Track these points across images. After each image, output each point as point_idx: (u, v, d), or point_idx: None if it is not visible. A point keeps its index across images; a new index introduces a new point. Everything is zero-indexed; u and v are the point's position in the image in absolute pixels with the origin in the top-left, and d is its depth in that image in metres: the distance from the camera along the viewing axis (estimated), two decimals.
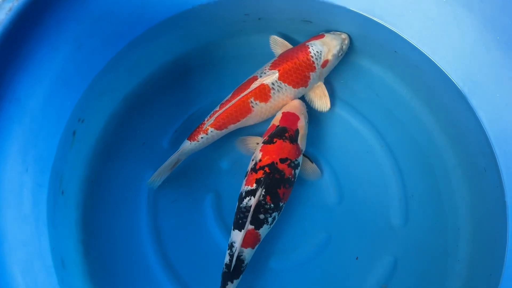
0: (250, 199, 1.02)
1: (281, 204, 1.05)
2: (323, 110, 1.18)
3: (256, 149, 1.10)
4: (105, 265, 1.05)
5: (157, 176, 1.10)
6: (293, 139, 1.08)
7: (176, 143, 1.17)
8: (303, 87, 1.15)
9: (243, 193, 1.04)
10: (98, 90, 1.06)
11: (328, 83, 1.20)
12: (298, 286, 1.10)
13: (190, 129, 1.15)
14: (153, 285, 1.07)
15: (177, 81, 1.21)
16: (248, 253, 1.02)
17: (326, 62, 1.15)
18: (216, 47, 1.22)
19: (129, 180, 1.13)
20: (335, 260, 1.12)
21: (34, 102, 0.88)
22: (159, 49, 1.15)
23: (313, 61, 1.13)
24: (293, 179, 1.07)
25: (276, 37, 1.19)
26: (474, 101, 1.03)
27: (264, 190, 1.02)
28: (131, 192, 1.13)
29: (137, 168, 1.15)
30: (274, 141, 1.07)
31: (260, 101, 1.12)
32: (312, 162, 1.13)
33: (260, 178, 1.03)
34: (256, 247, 1.04)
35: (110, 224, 1.09)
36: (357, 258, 1.12)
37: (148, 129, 1.18)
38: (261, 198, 1.01)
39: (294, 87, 1.13)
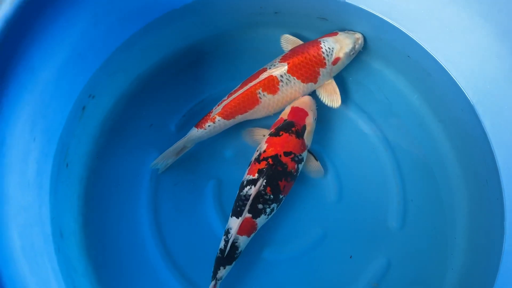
0: (251, 188, 1.03)
1: (281, 196, 1.06)
2: (334, 106, 1.17)
3: (261, 140, 1.11)
4: (102, 239, 1.07)
5: (161, 159, 1.11)
6: (299, 134, 1.09)
7: (183, 128, 1.18)
8: (312, 83, 1.15)
9: (245, 182, 1.06)
10: (111, 68, 1.08)
11: (338, 81, 1.20)
12: (289, 278, 1.11)
13: (198, 115, 1.17)
14: (147, 262, 1.09)
15: (189, 67, 1.22)
16: (243, 240, 1.03)
17: (337, 59, 1.15)
18: (231, 37, 1.22)
19: (134, 160, 1.15)
20: (328, 256, 1.12)
21: (47, 73, 0.90)
22: (175, 34, 1.17)
23: (324, 57, 1.13)
24: (295, 174, 1.08)
25: (288, 35, 1.19)
26: (482, 112, 1.03)
27: (265, 180, 1.03)
28: (135, 172, 1.14)
29: (142, 149, 1.16)
30: (280, 134, 1.08)
31: (268, 93, 1.13)
32: (317, 160, 1.14)
33: (262, 168, 1.04)
34: (251, 236, 1.05)
35: (111, 200, 1.11)
36: (351, 257, 1.12)
37: (157, 111, 1.19)
38: (262, 188, 1.03)
39: (303, 81, 1.14)
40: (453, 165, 1.15)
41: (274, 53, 1.20)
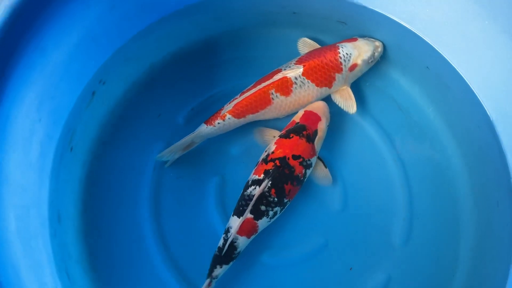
0: (255, 188, 1.01)
1: (285, 200, 1.04)
2: (350, 112, 1.15)
3: (271, 141, 1.09)
4: (100, 226, 1.06)
5: (168, 153, 1.10)
6: (310, 139, 1.07)
7: (191, 121, 1.17)
8: (327, 87, 1.13)
9: (250, 181, 1.04)
10: (125, 56, 1.07)
11: (353, 87, 1.18)
12: (287, 284, 1.09)
13: (208, 110, 1.16)
14: (144, 254, 1.07)
15: (203, 60, 1.20)
16: (242, 241, 1.01)
17: (354, 66, 1.12)
18: (248, 34, 1.21)
19: (139, 149, 1.14)
20: (328, 266, 1.10)
21: (59, 54, 0.89)
22: (192, 27, 1.16)
23: (340, 62, 1.11)
24: (302, 178, 1.06)
25: (306, 39, 1.17)
26: (501, 131, 0.99)
27: (270, 182, 1.01)
28: (139, 161, 1.13)
29: (148, 139, 1.15)
30: (291, 136, 1.06)
31: (281, 94, 1.10)
32: (326, 167, 1.11)
33: (269, 169, 1.02)
34: (251, 237, 1.03)
35: (113, 188, 1.10)
36: (350, 269, 1.09)
37: (166, 102, 1.18)
38: (266, 189, 1.01)
39: (317, 85, 1.11)
40: (465, 184, 1.11)
41: (290, 54, 1.18)
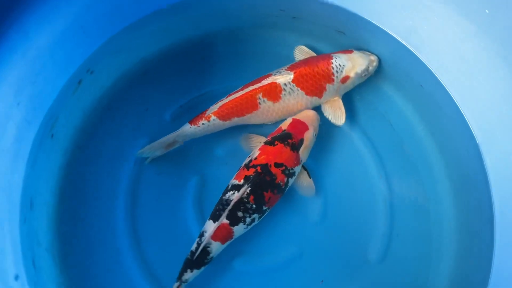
0: (234, 193, 1.00)
1: (264, 208, 1.02)
2: (337, 124, 1.13)
3: (255, 147, 1.08)
4: (75, 215, 1.05)
5: (149, 149, 1.09)
6: (295, 147, 1.05)
7: (178, 119, 1.16)
8: (317, 97, 1.11)
9: (229, 186, 1.02)
10: (116, 47, 1.06)
11: (345, 98, 1.16)
12: None
13: (196, 108, 1.14)
14: (116, 248, 1.06)
15: (196, 58, 1.19)
16: (216, 247, 1.00)
17: (346, 78, 1.11)
18: (245, 34, 1.19)
19: (123, 141, 1.13)
20: (300, 277, 1.08)
21: (43, 40, 0.88)
22: (187, 23, 1.14)
23: (333, 72, 1.09)
24: (284, 187, 1.04)
25: (303, 47, 1.16)
26: (487, 156, 0.97)
27: (249, 188, 0.99)
28: (121, 153, 1.12)
29: (133, 132, 1.14)
30: (275, 143, 1.04)
31: (269, 99, 1.09)
32: (310, 177, 1.09)
33: (249, 175, 1.01)
34: (226, 243, 1.02)
35: (92, 178, 1.09)
36: (321, 282, 1.07)
37: (155, 97, 1.17)
38: (245, 195, 0.99)
39: (307, 93, 1.10)
40: (448, 207, 1.09)
41: (285, 59, 1.17)
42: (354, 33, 1.12)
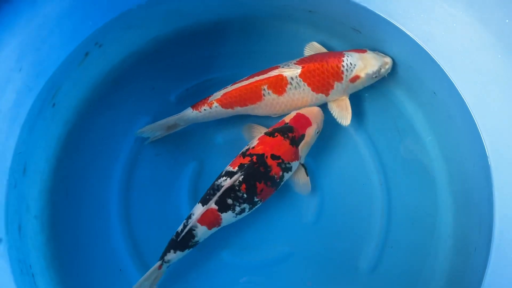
0: (226, 179, 0.99)
1: (256, 199, 1.00)
2: (342, 124, 1.10)
3: (255, 137, 1.06)
4: (69, 185, 1.05)
5: (149, 129, 1.08)
6: (294, 142, 1.03)
7: (182, 101, 1.15)
8: (323, 95, 1.08)
9: (223, 172, 1.01)
10: (128, 23, 1.05)
11: (355, 99, 1.13)
12: (241, 285, 1.06)
13: (202, 93, 1.13)
14: (105, 223, 1.07)
15: (208, 43, 1.17)
16: (201, 231, 0.99)
17: (356, 77, 1.07)
18: (259, 24, 1.17)
19: (125, 118, 1.12)
20: (287, 276, 1.06)
21: (50, 8, 0.87)
22: (203, 6, 1.12)
23: (342, 71, 1.06)
24: (278, 180, 1.02)
25: (315, 43, 1.13)
26: (496, 177, 0.92)
27: (242, 176, 0.98)
28: (122, 129, 1.12)
29: (137, 110, 1.13)
30: (275, 135, 1.03)
31: (273, 92, 1.06)
32: (307, 176, 1.07)
33: (244, 164, 0.99)
34: (213, 229, 1.00)
35: (91, 151, 1.09)
36: (309, 284, 1.06)
37: (162, 77, 1.16)
38: (237, 183, 0.98)
39: (313, 90, 1.07)
40: (448, 223, 1.06)
41: (297, 52, 1.14)
42: (370, 32, 1.08)
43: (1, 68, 0.84)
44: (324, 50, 1.12)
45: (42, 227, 0.99)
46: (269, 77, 1.05)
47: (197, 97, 1.12)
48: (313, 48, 1.13)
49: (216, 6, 1.13)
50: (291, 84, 1.06)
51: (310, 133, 1.05)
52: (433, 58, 0.99)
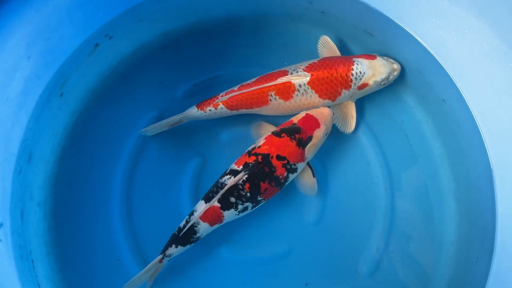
0: (230, 178, 0.98)
1: (259, 198, 1.00)
2: (345, 131, 1.10)
3: (262, 135, 1.06)
4: (73, 175, 1.06)
5: (153, 128, 1.09)
6: (301, 143, 1.02)
7: (189, 97, 1.15)
8: (329, 101, 1.08)
9: (228, 170, 1.01)
10: (139, 16, 1.05)
11: (361, 101, 1.12)
12: (238, 282, 1.06)
13: (209, 89, 1.14)
14: (107, 215, 1.07)
15: (218, 39, 1.17)
16: (203, 227, 0.99)
17: (364, 85, 1.07)
18: (270, 23, 1.16)
19: (131, 110, 1.13)
20: (284, 275, 1.06)
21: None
22: (215, 2, 1.12)
23: (351, 79, 1.05)
24: (283, 181, 1.01)
25: (327, 38, 1.11)
26: (499, 187, 0.91)
27: (246, 176, 0.97)
28: (128, 122, 1.12)
29: (143, 103, 1.14)
30: (282, 135, 1.02)
31: (280, 98, 1.06)
32: (314, 177, 1.06)
33: (249, 163, 0.99)
34: (215, 226, 1.01)
35: (96, 142, 1.10)
36: (306, 284, 1.05)
37: (171, 72, 1.16)
38: (240, 182, 0.97)
39: (320, 96, 1.07)
40: (451, 231, 1.04)
41: (308, 53, 1.14)
42: (382, 36, 1.07)
43: (10, 55, 0.85)
44: (336, 48, 1.11)
45: (44, 215, 1.00)
46: (277, 84, 1.05)
47: (204, 93, 1.12)
48: (325, 43, 1.11)
49: (228, 3, 1.13)
50: (298, 91, 1.06)
51: (318, 135, 1.04)
52: (442, 65, 0.98)
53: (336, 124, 1.10)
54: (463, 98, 0.96)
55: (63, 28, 0.91)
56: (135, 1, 1.01)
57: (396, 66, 1.07)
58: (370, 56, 1.08)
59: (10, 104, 0.86)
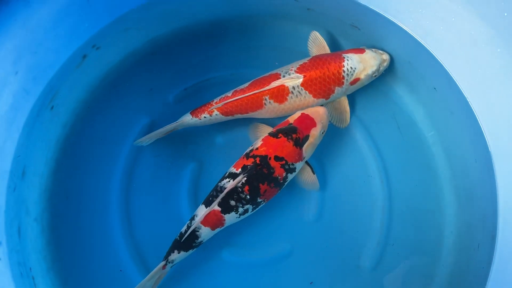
0: (229, 181, 0.98)
1: (259, 200, 1.00)
2: (340, 126, 1.11)
3: (260, 137, 1.05)
4: (69, 189, 1.05)
5: (147, 138, 1.08)
6: (298, 143, 1.02)
7: (181, 101, 1.15)
8: (324, 99, 1.08)
9: (227, 174, 1.01)
10: (125, 25, 1.05)
11: (352, 95, 1.12)
12: (242, 285, 1.06)
13: (200, 93, 1.13)
14: (106, 225, 1.06)
15: (206, 43, 1.17)
16: (205, 232, 0.99)
17: (356, 80, 1.07)
18: (257, 23, 1.16)
19: (123, 119, 1.12)
20: (288, 275, 1.05)
21: (46, 10, 0.87)
22: (200, 6, 1.12)
23: (343, 76, 1.06)
24: (282, 181, 1.01)
25: (317, 34, 1.11)
26: (499, 171, 0.91)
27: (245, 178, 0.97)
28: (121, 131, 1.11)
29: (135, 111, 1.13)
30: (279, 136, 1.01)
31: (275, 101, 1.06)
32: (314, 173, 1.06)
33: (247, 165, 0.99)
34: (216, 230, 1.00)
35: (90, 153, 1.09)
36: (311, 283, 1.05)
37: (160, 78, 1.15)
38: (240, 185, 0.97)
39: (314, 96, 1.07)
40: (450, 219, 1.05)
41: (296, 51, 1.14)
42: (369, 29, 1.08)
43: None
44: (325, 43, 1.11)
45: (42, 230, 0.99)
46: (271, 88, 1.05)
47: (195, 97, 1.12)
48: (316, 39, 1.11)
49: (214, 5, 1.13)
50: (292, 93, 1.06)
51: (315, 134, 1.04)
52: (432, 54, 0.98)
53: (332, 121, 1.10)
54: (456, 85, 0.97)
55: (50, 42, 0.90)
56: (120, 11, 1.01)
57: (385, 56, 1.07)
58: (359, 50, 1.08)
59: (0, 121, 0.85)
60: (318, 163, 1.12)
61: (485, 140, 0.93)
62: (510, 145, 0.91)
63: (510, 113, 0.91)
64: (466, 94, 0.95)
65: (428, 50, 0.99)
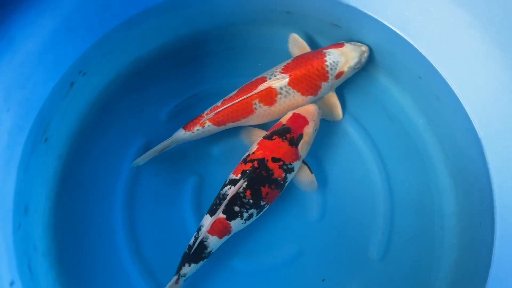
0: (230, 188, 0.99)
1: (262, 203, 1.01)
2: (335, 120, 1.13)
3: (255, 141, 1.07)
4: (72, 220, 1.05)
5: (144, 158, 1.08)
6: (293, 142, 1.03)
7: (173, 118, 1.15)
8: (312, 96, 1.10)
9: (227, 181, 1.02)
10: (108, 48, 1.04)
11: (341, 92, 1.14)
12: None
13: (191, 108, 1.13)
14: (114, 251, 1.06)
15: (190, 57, 1.18)
16: (213, 241, 0.99)
17: (341, 73, 1.09)
18: (238, 31, 1.17)
19: (118, 142, 1.12)
20: (300, 275, 1.07)
21: (30, 45, 0.87)
22: (180, 20, 1.12)
23: (327, 70, 1.08)
24: (282, 182, 1.02)
25: (296, 36, 1.13)
26: (488, 150, 0.94)
27: (246, 183, 0.98)
28: (117, 155, 1.11)
29: (129, 133, 1.13)
30: (273, 138, 1.03)
31: (265, 104, 1.08)
32: (312, 173, 1.07)
33: (246, 170, 1.00)
34: (224, 238, 1.01)
35: (88, 181, 1.08)
36: (323, 280, 1.06)
37: (150, 97, 1.15)
38: (241, 190, 0.98)
39: (302, 94, 1.08)
40: (449, 201, 1.07)
41: (280, 54, 1.15)
42: (349, 26, 1.10)
43: None
44: (305, 44, 1.13)
45: (51, 264, 0.98)
46: (259, 92, 1.06)
47: (187, 112, 1.12)
48: (295, 41, 1.13)
49: (193, 18, 1.13)
50: (281, 94, 1.07)
51: (308, 132, 1.06)
52: (411, 44, 1.00)
53: (325, 117, 1.12)
54: (438, 72, 0.99)
55: (36, 74, 0.90)
56: (101, 33, 0.99)
57: (364, 48, 1.10)
58: (338, 44, 1.11)
59: None
60: (315, 162, 1.13)
61: (471, 121, 0.96)
62: (495, 125, 0.94)
63: (492, 95, 0.94)
64: (447, 79, 0.98)
65: (408, 42, 1.00)
